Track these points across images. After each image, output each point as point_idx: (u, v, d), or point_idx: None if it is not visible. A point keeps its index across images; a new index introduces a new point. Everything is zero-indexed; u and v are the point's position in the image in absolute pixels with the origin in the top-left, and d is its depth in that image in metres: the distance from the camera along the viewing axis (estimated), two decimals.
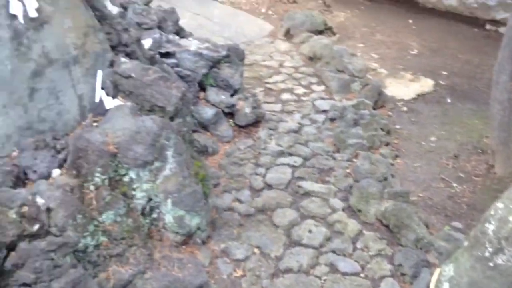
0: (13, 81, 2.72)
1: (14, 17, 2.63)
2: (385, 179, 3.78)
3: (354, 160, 4.02)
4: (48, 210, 2.44)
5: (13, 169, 2.68)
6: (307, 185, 3.72)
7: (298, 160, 4.03)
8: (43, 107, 2.90)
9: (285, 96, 5.15)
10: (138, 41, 3.39)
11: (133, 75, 3.11)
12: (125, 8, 4.64)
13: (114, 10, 3.27)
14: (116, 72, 3.17)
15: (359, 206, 3.49)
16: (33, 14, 2.69)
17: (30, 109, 2.84)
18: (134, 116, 2.92)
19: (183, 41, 4.76)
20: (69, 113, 3.05)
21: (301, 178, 3.81)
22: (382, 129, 4.44)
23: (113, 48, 3.27)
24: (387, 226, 3.36)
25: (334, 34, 6.80)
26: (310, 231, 3.25)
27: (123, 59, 3.26)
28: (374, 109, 4.82)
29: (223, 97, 4.47)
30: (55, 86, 2.93)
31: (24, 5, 2.64)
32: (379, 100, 5.06)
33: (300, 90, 5.29)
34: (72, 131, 3.08)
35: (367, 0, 8.12)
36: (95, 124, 3.12)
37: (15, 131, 2.80)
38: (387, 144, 4.36)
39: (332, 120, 4.63)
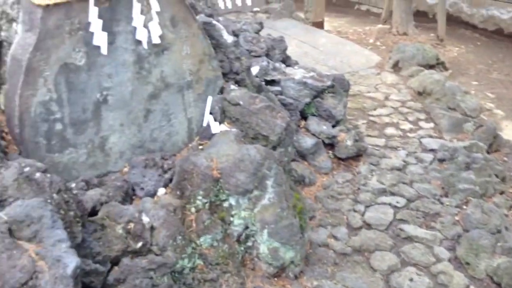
0: (132, 102, 2.89)
1: (139, 42, 2.80)
2: (499, 231, 3.44)
3: (464, 207, 3.72)
4: (152, 228, 2.52)
5: (123, 185, 2.82)
6: (410, 229, 3.49)
7: (401, 201, 3.81)
8: (155, 127, 3.03)
9: (390, 130, 4.95)
10: (248, 69, 3.46)
11: (241, 102, 3.16)
12: (236, 35, 4.79)
13: (229, 39, 3.37)
14: (225, 99, 3.25)
15: (468, 258, 3.19)
16: (156, 40, 2.84)
17: (144, 128, 2.98)
18: (238, 143, 2.95)
19: (288, 70, 4.79)
20: (178, 135, 3.16)
21: (403, 221, 3.59)
22: (496, 176, 4.07)
23: (224, 75, 3.36)
24: (498, 285, 3.04)
25: (446, 69, 6.46)
26: (411, 280, 3.03)
27: (232, 87, 3.33)
28: (488, 152, 4.45)
29: (324, 128, 4.40)
30: (168, 108, 3.06)
31: (149, 32, 2.79)
32: (494, 143, 4.67)
33: (407, 126, 5.05)
34: (179, 152, 3.19)
35: (484, 35, 7.64)
36: (200, 147, 3.21)
37: (128, 148, 2.96)
38: (501, 193, 3.98)
39: (441, 161, 4.34)
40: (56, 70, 2.54)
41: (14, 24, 2.64)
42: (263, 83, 4.05)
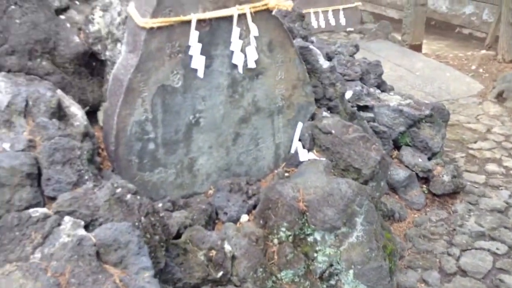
0: (222, 125, 2.87)
1: (234, 66, 2.77)
2: None
3: None
4: (233, 257, 2.46)
5: (207, 208, 2.79)
6: (511, 280, 3.14)
7: (501, 248, 3.46)
8: (242, 151, 2.99)
9: (491, 167, 4.55)
10: (342, 96, 3.32)
11: (332, 131, 3.03)
12: (330, 58, 4.67)
13: (324, 64, 3.26)
14: (316, 126, 3.14)
15: None
16: (252, 65, 2.80)
17: (231, 152, 2.95)
18: (327, 175, 2.82)
19: (383, 95, 4.57)
20: (264, 160, 3.10)
21: (503, 270, 3.24)
22: None
23: (316, 101, 3.25)
24: None
25: None
26: None
27: (325, 113, 3.21)
28: None
29: (419, 160, 4.12)
30: (257, 133, 3.01)
31: (245, 57, 2.76)
32: None
33: (510, 163, 4.62)
34: (265, 178, 3.12)
35: None
36: (286, 174, 3.12)
37: (215, 171, 2.94)
38: None
39: None
40: (154, 91, 2.59)
41: (118, 45, 2.74)
42: (356, 108, 3.89)
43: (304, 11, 5.13)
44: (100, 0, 2.73)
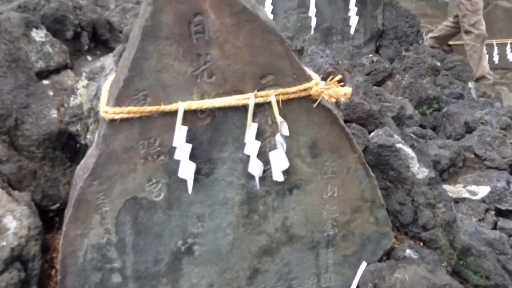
0: (231, 256, 1.93)
1: (251, 176, 1.81)
2: None
3: None
4: None
5: None
6: None
7: None
8: None
9: None
10: (448, 224, 2.08)
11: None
12: (470, 129, 3.32)
13: (420, 173, 2.06)
14: (391, 270, 1.98)
15: None
16: (278, 177, 1.81)
17: None
18: None
19: None
20: None
21: None
22: None
23: (398, 228, 2.09)
24: None
25: None
26: None
27: (408, 251, 2.03)
28: None
29: None
30: (289, 271, 1.99)
31: (269, 164, 1.78)
32: None
33: None
34: None
35: None
36: None
37: None
38: None
39: None
40: (119, 205, 1.79)
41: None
42: (485, 229, 2.54)
43: None
44: (90, 64, 2.02)
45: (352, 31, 3.83)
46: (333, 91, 1.65)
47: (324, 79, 2.30)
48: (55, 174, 2.02)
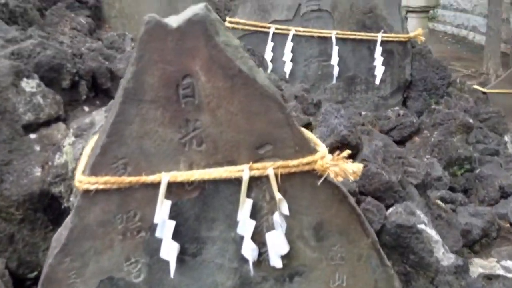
0: None
1: (245, 259, 1.57)
2: None
3: None
4: None
5: None
6: None
7: None
8: None
9: None
10: None
11: None
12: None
13: (445, 259, 1.77)
14: None
15: None
16: (276, 263, 1.56)
17: None
18: None
19: None
20: None
21: None
22: None
23: None
24: None
25: None
26: None
27: None
28: None
29: None
30: None
31: (266, 246, 1.54)
32: None
33: None
34: None
35: None
36: None
37: None
38: None
39: None
40: (94, 286, 1.56)
41: None
42: None
43: None
44: (79, 119, 1.85)
45: (377, 81, 3.60)
46: (340, 169, 1.41)
47: (338, 143, 2.08)
48: (34, 239, 1.83)
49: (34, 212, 1.84)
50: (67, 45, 2.32)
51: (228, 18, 3.50)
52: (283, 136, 1.48)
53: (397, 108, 3.52)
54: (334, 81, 3.61)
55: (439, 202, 2.61)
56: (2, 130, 1.83)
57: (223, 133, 1.47)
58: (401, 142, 3.34)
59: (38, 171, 1.83)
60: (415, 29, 3.87)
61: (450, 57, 11.21)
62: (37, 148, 1.89)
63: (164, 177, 1.46)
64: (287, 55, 3.47)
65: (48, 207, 1.87)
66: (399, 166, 2.13)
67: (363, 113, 3.52)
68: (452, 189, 3.10)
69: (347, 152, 1.42)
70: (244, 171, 1.47)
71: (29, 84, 1.94)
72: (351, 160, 1.43)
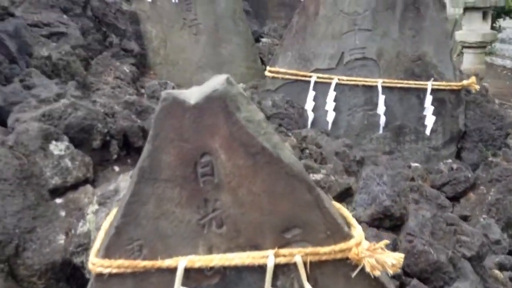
0: None
1: None
2: None
3: None
4: None
5: None
6: None
7: None
8: None
9: None
10: None
11: None
12: None
13: None
14: None
15: None
16: None
17: None
18: None
19: None
20: None
21: None
22: None
23: None
24: None
25: None
26: None
27: None
28: None
29: None
30: None
31: None
32: None
33: None
34: None
35: None
36: None
37: None
38: None
39: None
40: None
41: None
42: None
43: None
44: (103, 186, 1.78)
45: (428, 132, 3.37)
46: (377, 260, 1.23)
47: (379, 214, 1.89)
48: None
49: (56, 282, 1.77)
50: (100, 104, 2.29)
51: (268, 68, 3.42)
52: (312, 219, 1.33)
53: (450, 160, 3.27)
54: (381, 131, 3.41)
55: (497, 273, 2.33)
56: (28, 195, 1.79)
57: (245, 214, 1.33)
58: (454, 199, 3.07)
59: (61, 239, 1.77)
60: (471, 64, 3.64)
61: (510, 93, 10.66)
62: (62, 213, 1.84)
63: (181, 262, 1.33)
64: (330, 104, 3.32)
65: (71, 277, 1.79)
66: (450, 237, 1.91)
67: (413, 165, 3.29)
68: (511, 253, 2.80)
69: (384, 242, 1.24)
70: (269, 258, 1.32)
71: (58, 147, 1.91)
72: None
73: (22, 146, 1.86)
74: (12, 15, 3.14)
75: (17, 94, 2.25)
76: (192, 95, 1.31)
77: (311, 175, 2.05)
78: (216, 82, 1.29)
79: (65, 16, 3.89)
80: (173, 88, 3.97)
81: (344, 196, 2.07)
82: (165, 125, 1.28)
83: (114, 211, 1.58)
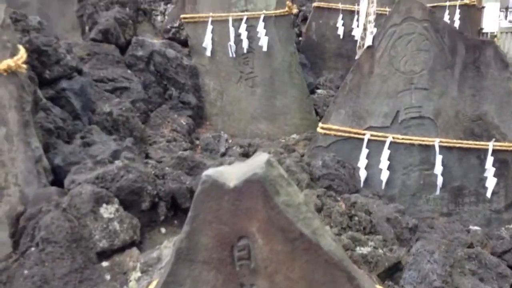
0: None
1: None
2: None
3: None
4: None
5: None
6: None
7: None
8: None
9: None
10: None
11: None
12: None
13: None
14: None
15: None
16: None
17: None
18: None
19: None
20: None
21: None
22: None
23: None
24: None
25: None
26: None
27: None
28: None
29: None
30: None
31: None
32: None
33: None
34: None
35: None
36: None
37: None
38: None
39: None
40: None
41: None
42: None
43: None
44: (146, 253, 1.79)
45: (489, 194, 3.17)
46: None
47: None
48: None
49: None
50: (152, 165, 2.36)
51: (320, 124, 3.40)
52: None
53: None
54: (438, 191, 3.26)
55: None
56: (76, 258, 1.85)
57: None
58: None
59: None
60: None
61: None
62: (107, 277, 1.87)
63: None
64: (384, 163, 3.23)
65: None
66: None
67: (472, 228, 3.10)
68: None
69: None
70: None
71: (108, 210, 1.97)
72: None
73: (74, 209, 1.93)
74: (80, 72, 3.33)
75: (75, 154, 2.37)
76: (232, 176, 1.31)
77: (357, 248, 1.97)
78: (257, 163, 1.29)
79: (129, 71, 4.10)
80: (227, 140, 4.04)
81: (393, 270, 1.96)
82: (204, 207, 1.28)
83: (154, 283, 1.58)
